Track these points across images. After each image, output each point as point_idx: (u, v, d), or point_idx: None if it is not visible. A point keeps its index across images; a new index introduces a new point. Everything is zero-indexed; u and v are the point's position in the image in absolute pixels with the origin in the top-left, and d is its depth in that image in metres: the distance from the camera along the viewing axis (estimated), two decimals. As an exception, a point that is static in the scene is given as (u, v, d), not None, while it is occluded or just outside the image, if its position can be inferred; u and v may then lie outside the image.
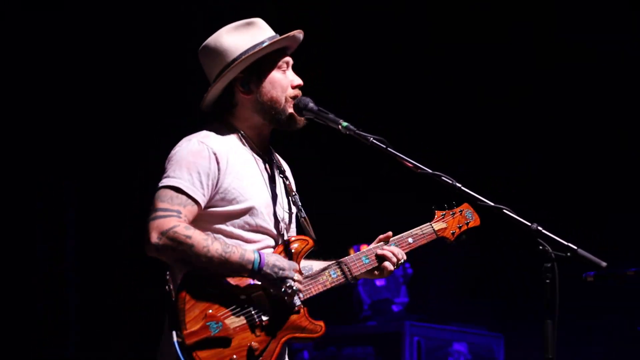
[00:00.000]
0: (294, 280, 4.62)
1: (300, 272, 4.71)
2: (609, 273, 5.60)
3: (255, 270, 4.54)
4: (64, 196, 9.16)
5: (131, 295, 8.40)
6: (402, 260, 4.91)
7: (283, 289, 4.60)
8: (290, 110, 4.76)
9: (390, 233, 4.93)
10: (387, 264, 4.85)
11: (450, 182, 4.69)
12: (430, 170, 4.69)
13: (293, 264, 4.68)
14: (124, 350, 8.41)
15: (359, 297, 8.33)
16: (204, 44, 4.84)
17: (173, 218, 4.52)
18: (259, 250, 4.66)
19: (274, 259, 4.61)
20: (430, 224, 5.02)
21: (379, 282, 8.32)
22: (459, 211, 5.07)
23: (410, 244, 4.95)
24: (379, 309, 8.30)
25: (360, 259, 4.87)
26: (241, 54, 4.77)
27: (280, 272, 4.60)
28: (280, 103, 4.76)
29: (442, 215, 5.06)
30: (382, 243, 4.92)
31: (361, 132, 4.74)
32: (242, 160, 4.76)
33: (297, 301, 4.67)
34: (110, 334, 8.67)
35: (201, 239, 4.52)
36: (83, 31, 8.72)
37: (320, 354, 7.99)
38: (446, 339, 8.26)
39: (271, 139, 4.94)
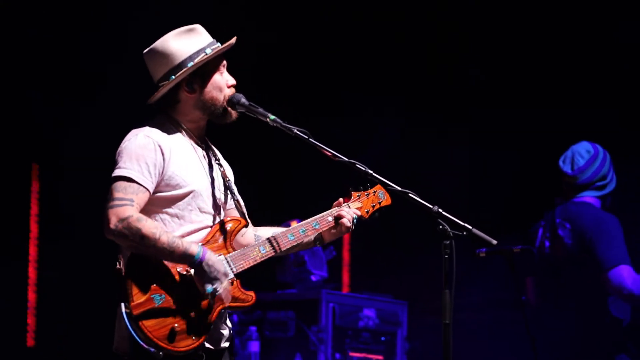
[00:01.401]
0: (221, 287, 4.61)
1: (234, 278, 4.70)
2: (499, 249, 5.60)
3: (196, 263, 4.54)
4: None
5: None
6: (354, 216, 4.92)
7: (207, 288, 4.58)
8: (225, 105, 4.78)
9: (341, 200, 5.01)
10: (345, 222, 4.88)
11: (364, 169, 4.69)
12: (346, 159, 4.69)
13: (229, 272, 4.66)
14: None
15: (283, 269, 8.29)
16: (151, 47, 4.82)
17: (128, 207, 4.53)
18: (200, 229, 4.72)
19: (215, 260, 4.62)
20: (348, 204, 4.99)
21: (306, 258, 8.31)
22: (373, 192, 5.04)
23: (329, 221, 4.93)
24: (300, 278, 8.20)
25: (286, 235, 4.85)
26: (187, 59, 4.77)
27: (215, 273, 4.59)
28: (219, 101, 4.78)
29: (358, 195, 5.03)
30: (312, 218, 4.92)
31: (286, 124, 4.75)
32: (183, 150, 4.75)
33: (231, 274, 4.66)
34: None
35: (150, 232, 4.53)
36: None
37: (248, 318, 7.90)
38: (357, 305, 8.16)
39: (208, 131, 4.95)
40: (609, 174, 6.85)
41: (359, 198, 5.03)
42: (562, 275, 6.75)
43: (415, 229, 7.27)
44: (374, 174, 4.71)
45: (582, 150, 6.87)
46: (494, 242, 4.82)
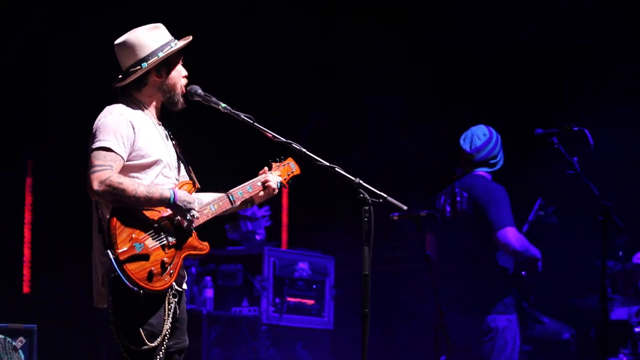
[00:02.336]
0: (196, 211, 4.69)
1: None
2: (408, 214, 5.67)
3: (171, 203, 4.62)
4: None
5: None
6: (279, 181, 4.97)
7: (188, 217, 4.66)
8: (182, 93, 4.83)
9: (265, 169, 5.03)
10: (271, 185, 4.92)
11: (298, 147, 4.76)
12: (284, 139, 4.78)
13: (194, 198, 4.74)
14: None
15: (237, 226, 8.17)
16: (122, 39, 4.81)
17: (107, 170, 4.56)
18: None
19: (184, 195, 4.68)
20: (271, 172, 5.03)
21: (250, 222, 8.18)
22: (287, 163, 5.07)
23: (259, 186, 4.96)
24: (247, 237, 8.13)
25: (228, 198, 4.88)
26: (158, 50, 4.80)
27: (187, 204, 4.66)
28: (177, 88, 4.82)
29: (277, 166, 5.05)
30: (246, 183, 4.94)
31: (235, 111, 4.82)
32: (148, 126, 4.77)
33: (191, 228, 4.74)
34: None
35: (129, 184, 4.57)
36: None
37: (204, 269, 7.86)
38: (293, 259, 8.13)
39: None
40: (499, 154, 6.90)
41: (278, 168, 5.05)
42: (460, 235, 6.83)
43: (342, 196, 7.23)
44: (306, 152, 4.77)
45: (480, 132, 6.90)
46: (405, 207, 5.02)
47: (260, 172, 5.03)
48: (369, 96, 9.56)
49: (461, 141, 6.95)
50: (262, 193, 4.96)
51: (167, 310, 4.67)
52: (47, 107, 8.48)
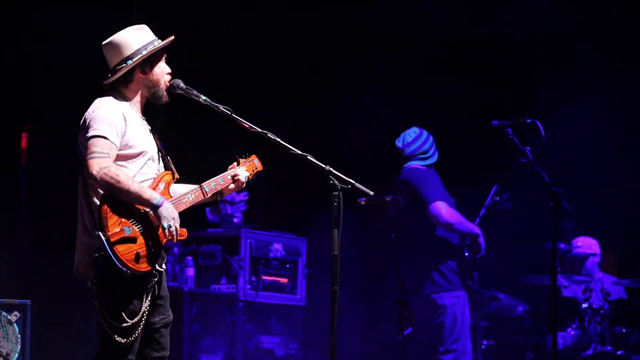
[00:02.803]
0: (173, 226, 4.68)
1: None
2: (374, 199, 5.51)
3: (155, 207, 4.64)
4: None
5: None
6: (247, 175, 5.00)
7: (164, 224, 4.66)
8: (165, 88, 4.87)
9: (234, 164, 5.03)
10: (240, 178, 4.95)
11: (273, 137, 4.82)
12: (259, 129, 4.83)
13: (177, 215, 4.73)
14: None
15: (217, 209, 8.18)
16: (109, 40, 4.85)
17: (106, 159, 4.59)
18: (148, 179, 4.80)
19: (169, 207, 4.70)
20: (239, 167, 5.05)
21: (229, 206, 8.18)
22: (251, 160, 5.11)
23: (229, 179, 4.98)
24: (225, 220, 8.15)
25: (203, 189, 4.91)
26: (141, 48, 4.83)
27: (169, 215, 4.67)
28: (160, 84, 4.86)
29: (244, 162, 5.08)
30: (218, 177, 4.97)
31: (214, 103, 4.86)
32: (135, 119, 4.80)
33: (177, 218, 4.74)
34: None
35: (125, 179, 4.60)
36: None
37: (186, 250, 7.85)
38: (268, 241, 8.16)
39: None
40: (430, 150, 7.15)
41: (245, 164, 5.08)
42: (409, 217, 7.01)
43: (314, 182, 7.22)
44: (280, 141, 4.84)
45: (411, 131, 7.20)
46: (371, 193, 5.15)
47: (230, 166, 5.04)
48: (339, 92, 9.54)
49: (396, 141, 7.21)
50: (232, 186, 4.98)
51: (147, 289, 4.71)
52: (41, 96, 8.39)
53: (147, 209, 4.67)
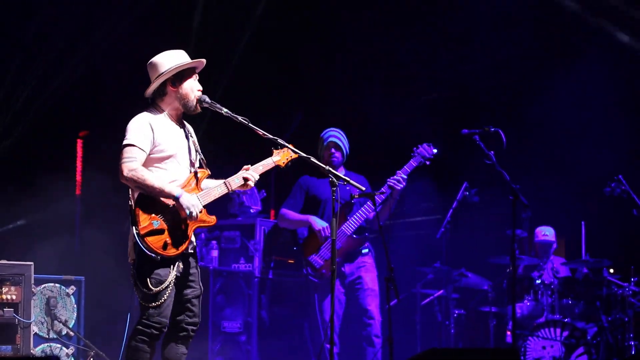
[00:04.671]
0: (195, 212, 4.73)
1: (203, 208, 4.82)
2: (366, 193, 5.61)
3: (176, 199, 4.70)
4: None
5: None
6: (256, 178, 4.97)
7: (188, 213, 4.72)
8: (195, 101, 4.89)
9: (249, 166, 5.00)
10: (249, 182, 4.95)
11: (282, 142, 4.93)
12: (272, 136, 4.90)
13: (198, 204, 4.76)
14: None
15: (240, 201, 7.91)
16: (151, 60, 4.92)
17: (135, 162, 4.69)
18: (182, 176, 4.84)
19: (188, 197, 4.74)
20: (272, 158, 5.06)
21: (245, 197, 7.95)
22: (285, 150, 5.05)
23: (260, 170, 5.01)
24: (243, 211, 7.98)
25: (233, 180, 4.94)
26: (173, 67, 4.87)
27: (188, 204, 4.71)
28: (190, 97, 4.89)
29: (277, 153, 5.07)
30: (245, 170, 4.99)
31: (234, 114, 4.90)
32: (166, 127, 4.86)
33: (200, 205, 4.80)
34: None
35: (149, 177, 4.68)
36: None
37: (211, 235, 7.76)
38: (279, 228, 7.63)
39: (186, 117, 5.03)
40: None
41: (278, 154, 5.05)
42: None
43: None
44: (288, 145, 4.98)
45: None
46: (363, 188, 5.16)
47: (245, 167, 5.02)
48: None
49: (345, 144, 6.94)
50: (242, 184, 4.97)
51: (173, 267, 4.75)
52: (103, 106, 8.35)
53: (172, 202, 4.70)
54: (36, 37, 7.78)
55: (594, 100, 8.69)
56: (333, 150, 6.87)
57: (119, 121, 4.96)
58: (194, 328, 4.95)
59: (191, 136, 5.00)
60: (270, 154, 5.09)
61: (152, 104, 4.92)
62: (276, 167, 5.09)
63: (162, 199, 4.72)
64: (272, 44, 9.06)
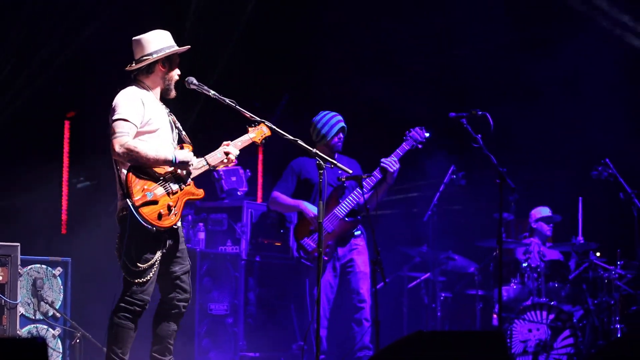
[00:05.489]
0: (192, 164, 4.84)
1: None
2: (353, 176, 5.64)
3: (174, 162, 4.76)
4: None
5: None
6: (236, 153, 4.99)
7: (190, 168, 4.83)
8: (173, 86, 4.96)
9: (228, 142, 5.03)
10: (230, 156, 4.95)
11: (269, 124, 4.98)
12: (258, 118, 4.99)
13: (191, 156, 4.87)
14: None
15: (220, 186, 7.93)
16: (139, 36, 4.93)
17: (125, 136, 4.69)
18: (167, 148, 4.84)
19: (182, 154, 4.82)
20: (248, 135, 5.08)
21: (232, 179, 7.94)
22: (260, 127, 5.08)
23: (239, 146, 5.03)
24: (230, 193, 7.96)
25: (215, 155, 4.95)
26: (166, 47, 4.91)
27: (186, 160, 4.81)
28: (173, 81, 4.98)
29: (252, 130, 5.09)
30: (225, 145, 5.01)
31: (221, 97, 4.95)
32: (153, 104, 4.90)
33: (189, 180, 4.89)
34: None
35: (142, 148, 4.69)
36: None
37: (198, 217, 7.77)
38: (265, 210, 7.79)
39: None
40: None
41: (253, 131, 5.08)
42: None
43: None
44: (275, 128, 5.00)
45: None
46: (350, 171, 5.17)
47: (225, 143, 5.05)
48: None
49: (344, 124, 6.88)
50: (225, 160, 4.98)
51: (161, 244, 4.79)
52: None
53: (168, 168, 4.75)
54: (25, 17, 7.76)
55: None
56: (341, 135, 6.82)
57: (107, 102, 4.95)
58: (185, 304, 4.98)
59: (171, 114, 5.06)
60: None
61: (135, 80, 4.94)
62: (253, 144, 5.12)
63: (154, 169, 4.75)
64: (258, 26, 9.08)
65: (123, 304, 4.79)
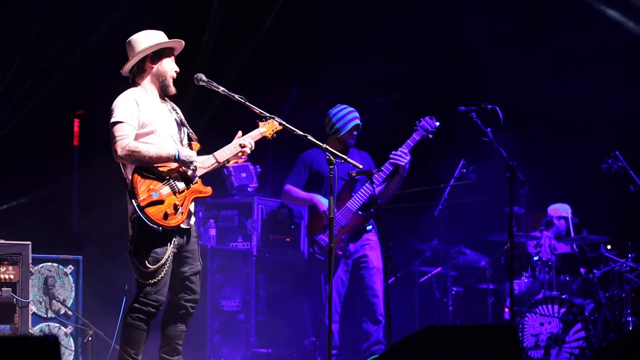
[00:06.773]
0: (196, 162, 4.79)
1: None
2: (364, 171, 5.65)
3: (177, 158, 4.73)
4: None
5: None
6: (252, 146, 4.95)
7: (191, 167, 4.77)
8: (171, 82, 4.91)
9: (240, 132, 5.00)
10: (246, 149, 4.93)
11: (279, 120, 4.94)
12: (267, 114, 4.93)
13: (194, 153, 4.84)
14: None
15: (230, 182, 7.94)
16: (129, 38, 4.92)
17: (125, 139, 4.67)
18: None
19: (185, 151, 4.78)
20: (258, 130, 5.03)
21: (242, 175, 7.96)
22: (271, 121, 5.03)
23: (237, 148, 4.94)
24: (241, 189, 7.96)
25: (224, 151, 4.93)
26: (152, 45, 4.86)
27: (189, 158, 4.78)
28: (167, 76, 4.91)
29: (263, 124, 5.04)
30: (239, 137, 4.98)
31: (231, 93, 4.90)
32: (150, 104, 4.85)
33: (196, 178, 4.85)
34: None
35: (143, 148, 4.67)
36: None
37: (209, 214, 7.80)
38: (275, 206, 7.85)
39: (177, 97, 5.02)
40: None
41: (264, 126, 5.03)
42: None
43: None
44: (285, 124, 4.94)
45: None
46: (361, 166, 5.15)
47: (237, 136, 5.01)
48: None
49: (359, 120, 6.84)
50: (240, 154, 4.95)
51: (170, 244, 4.75)
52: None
53: (172, 166, 4.72)
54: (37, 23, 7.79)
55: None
56: (355, 132, 6.77)
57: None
58: (193, 305, 4.95)
59: (176, 112, 5.02)
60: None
61: (133, 83, 4.92)
62: (264, 139, 5.09)
63: (158, 168, 4.73)
64: (266, 20, 9.03)
65: (137, 305, 4.76)
